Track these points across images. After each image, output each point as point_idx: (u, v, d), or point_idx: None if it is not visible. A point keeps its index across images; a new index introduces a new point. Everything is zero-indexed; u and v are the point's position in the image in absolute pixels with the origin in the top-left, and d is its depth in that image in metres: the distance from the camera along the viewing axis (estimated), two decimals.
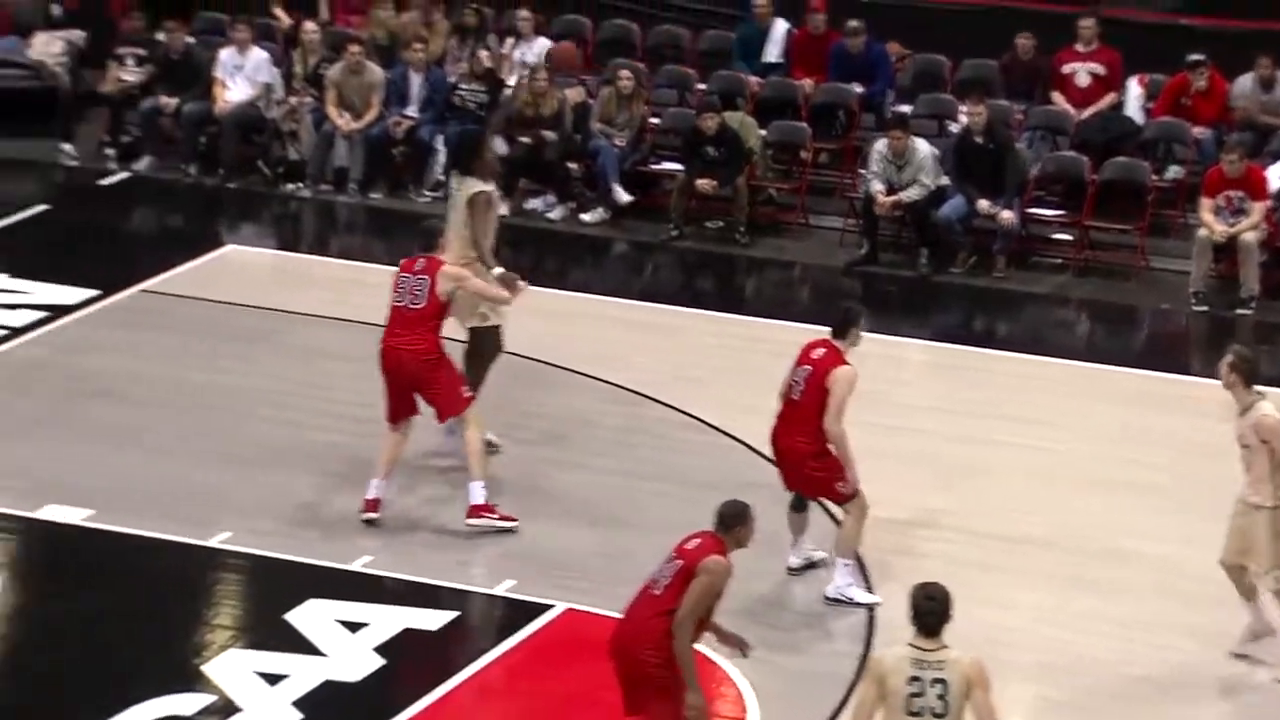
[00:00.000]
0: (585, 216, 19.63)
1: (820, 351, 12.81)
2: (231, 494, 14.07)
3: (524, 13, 20.65)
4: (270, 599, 12.85)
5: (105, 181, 20.18)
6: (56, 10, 21.99)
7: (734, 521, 10.50)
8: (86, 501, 13.72)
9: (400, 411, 13.71)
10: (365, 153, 20.05)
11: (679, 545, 10.50)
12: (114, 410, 15.18)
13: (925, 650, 9.31)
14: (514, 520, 13.63)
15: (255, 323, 16.92)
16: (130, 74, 20.62)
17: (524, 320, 15.81)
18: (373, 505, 13.65)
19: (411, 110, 20.13)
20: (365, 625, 12.49)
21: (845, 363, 12.73)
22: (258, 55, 20.34)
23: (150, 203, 20.16)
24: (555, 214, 19.65)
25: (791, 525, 13.17)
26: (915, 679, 9.25)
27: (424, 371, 13.54)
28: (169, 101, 20.31)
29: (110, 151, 20.51)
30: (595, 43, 21.27)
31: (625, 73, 19.79)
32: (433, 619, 12.63)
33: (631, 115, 19.81)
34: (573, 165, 19.92)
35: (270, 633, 12.39)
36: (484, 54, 20.09)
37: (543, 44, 20.58)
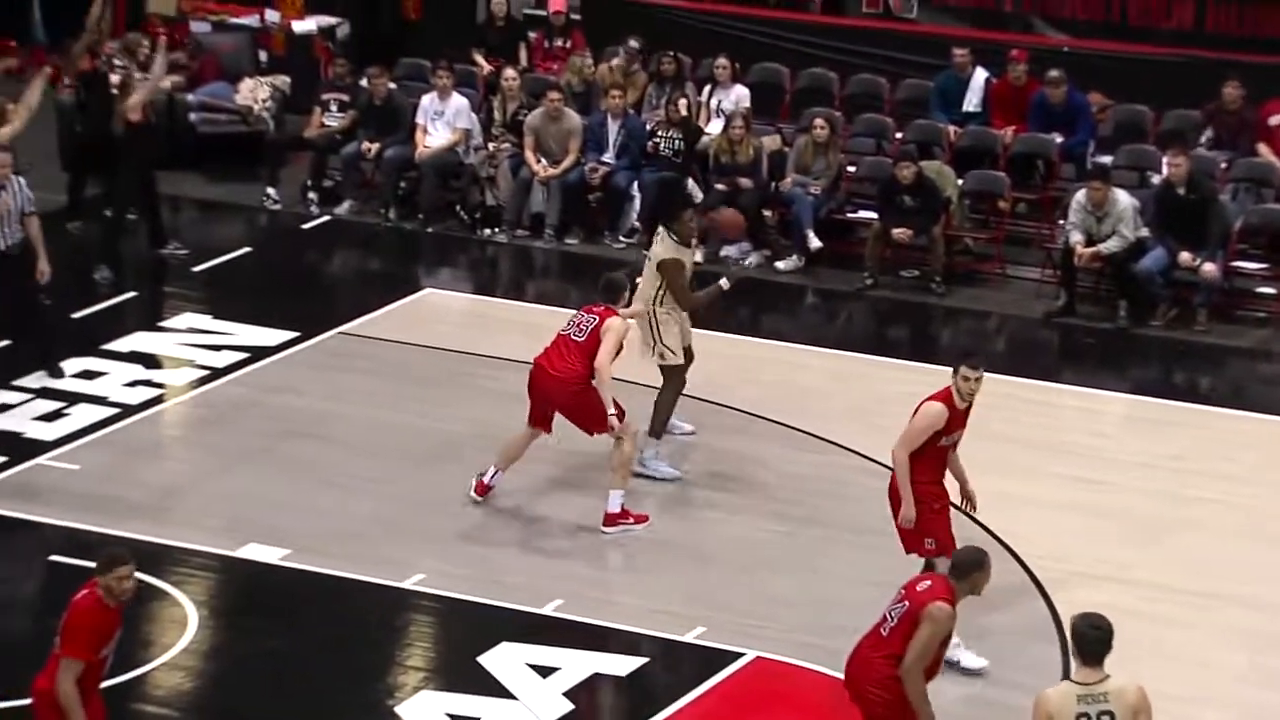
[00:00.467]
0: (780, 264, 19.66)
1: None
2: (426, 536, 14.23)
3: (722, 60, 20.74)
4: (463, 641, 12.98)
5: (307, 225, 20.49)
6: (263, 56, 22.44)
7: (970, 569, 10.44)
8: (284, 540, 13.95)
9: (537, 421, 14.49)
10: (562, 199, 20.22)
11: (909, 584, 10.47)
12: (312, 450, 15.40)
13: (1089, 684, 9.26)
14: (646, 518, 14.32)
15: (452, 366, 17.09)
16: (333, 119, 20.97)
17: (713, 365, 15.89)
18: (483, 489, 14.53)
19: (608, 157, 20.29)
20: (556, 670, 12.58)
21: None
22: (458, 101, 20.61)
23: (350, 246, 20.43)
24: (750, 261, 19.71)
25: None
26: (1083, 715, 9.19)
27: (565, 398, 14.28)
28: (370, 146, 20.63)
29: (312, 196, 20.84)
30: (793, 90, 21.32)
31: (821, 121, 19.82)
32: (622, 664, 12.69)
33: (828, 163, 19.83)
34: (768, 213, 19.97)
35: (462, 675, 12.50)
36: (681, 101, 20.20)
37: (740, 91, 20.66)
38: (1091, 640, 9.33)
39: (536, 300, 19.08)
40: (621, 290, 14.56)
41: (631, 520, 14.33)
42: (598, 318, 14.28)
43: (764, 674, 12.56)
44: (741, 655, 12.74)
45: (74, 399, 16.17)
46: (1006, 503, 14.24)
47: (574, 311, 14.59)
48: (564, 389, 14.27)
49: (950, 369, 12.53)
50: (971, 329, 18.85)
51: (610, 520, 14.27)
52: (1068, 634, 9.45)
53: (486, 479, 14.58)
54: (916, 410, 12.50)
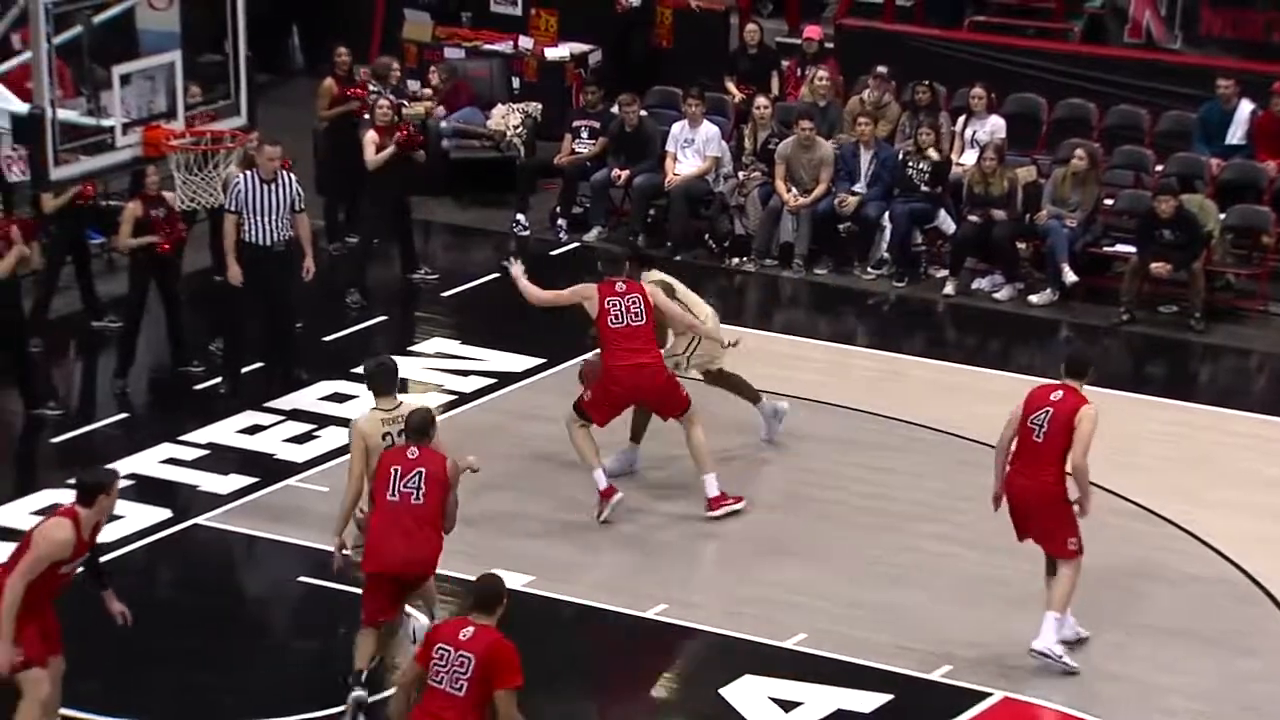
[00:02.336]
0: (1033, 298, 19.51)
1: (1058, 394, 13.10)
2: (669, 565, 14.31)
3: (977, 90, 20.63)
4: (705, 674, 13.03)
5: (556, 251, 20.70)
6: (516, 83, 22.74)
7: None
8: (528, 566, 14.08)
9: (606, 419, 14.97)
10: (811, 228, 20.25)
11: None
12: (558, 476, 15.54)
13: (389, 410, 11.09)
14: (741, 500, 14.88)
15: (694, 393, 17.04)
16: (584, 146, 21.19)
17: (968, 402, 15.80)
18: (608, 493, 14.83)
19: (859, 187, 20.28)
20: (799, 704, 12.61)
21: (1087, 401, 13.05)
22: (709, 129, 20.72)
23: (599, 273, 20.55)
24: (1002, 294, 19.57)
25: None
26: (387, 434, 11.18)
27: (654, 385, 14.86)
28: (620, 173, 20.81)
29: (561, 222, 21.06)
30: (1050, 121, 21.15)
31: (1081, 152, 19.64)
32: (866, 701, 12.67)
33: (1085, 196, 19.64)
34: (1022, 245, 19.83)
35: (706, 708, 12.55)
36: (931, 131, 20.12)
37: (995, 122, 20.54)
38: (381, 374, 12.49)
39: (783, 330, 19.12)
40: (622, 261, 15.29)
41: (731, 501, 14.84)
42: (640, 296, 14.83)
43: (1012, 714, 12.47)
44: (989, 695, 12.66)
45: (324, 421, 16.49)
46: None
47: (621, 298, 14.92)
48: (656, 376, 14.75)
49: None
50: (1232, 367, 18.55)
51: (714, 504, 14.81)
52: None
53: (600, 485, 14.81)
54: (1079, 417, 12.77)
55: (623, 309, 14.82)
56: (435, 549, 12.26)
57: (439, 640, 10.55)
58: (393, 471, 12.14)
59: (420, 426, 12.34)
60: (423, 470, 12.12)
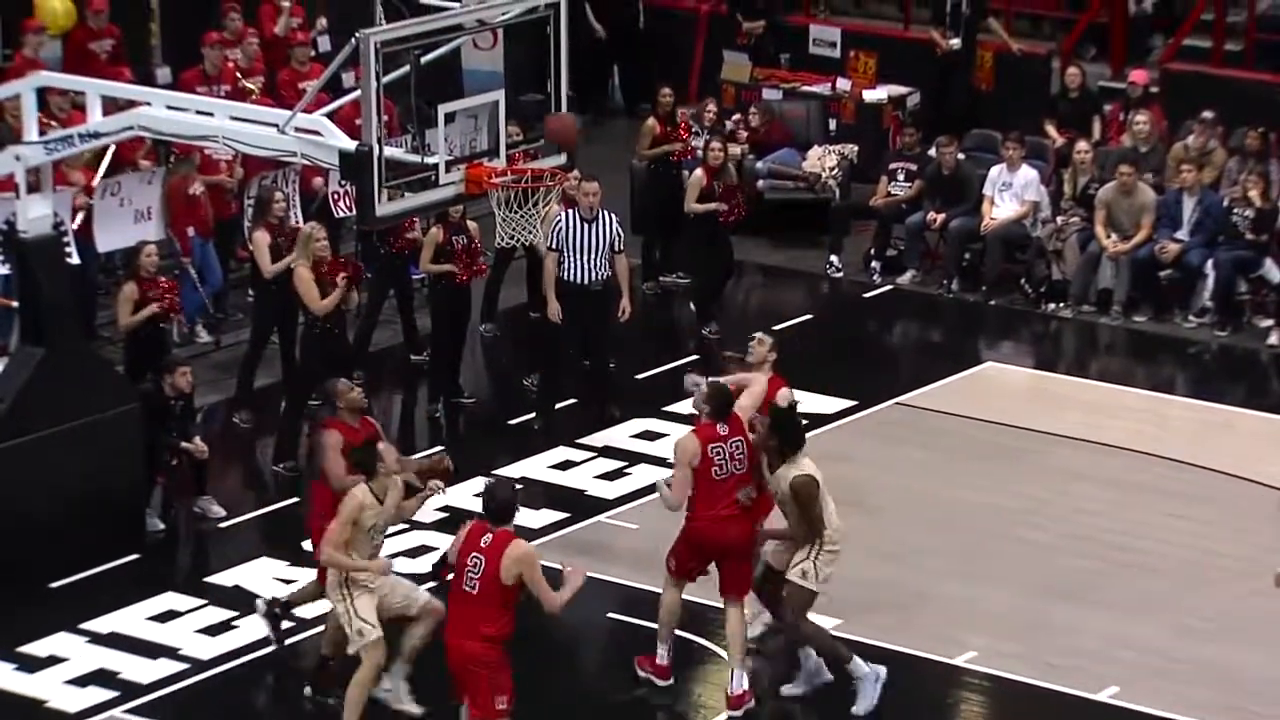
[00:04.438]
0: None
1: None
2: (977, 612, 14.24)
3: None
4: None
5: (869, 294, 20.70)
6: (833, 124, 22.81)
7: None
8: (834, 610, 13.99)
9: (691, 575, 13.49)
10: (1131, 274, 20.00)
11: None
12: (862, 520, 15.52)
13: None
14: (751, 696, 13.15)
15: (1009, 441, 17.07)
16: (900, 188, 21.18)
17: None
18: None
19: (1182, 234, 19.99)
20: None
21: None
22: (1027, 173, 20.58)
23: (911, 316, 20.52)
24: None
25: None
26: None
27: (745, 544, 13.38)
28: (936, 217, 20.76)
29: (875, 264, 21.05)
30: None
31: None
32: None
33: None
34: None
35: None
36: (1260, 179, 19.74)
37: None
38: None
39: (1099, 378, 18.88)
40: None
41: (749, 699, 13.07)
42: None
43: None
44: None
45: (635, 459, 16.68)
46: None
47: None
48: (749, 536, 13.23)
49: None
50: None
51: (737, 701, 13.10)
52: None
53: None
54: None
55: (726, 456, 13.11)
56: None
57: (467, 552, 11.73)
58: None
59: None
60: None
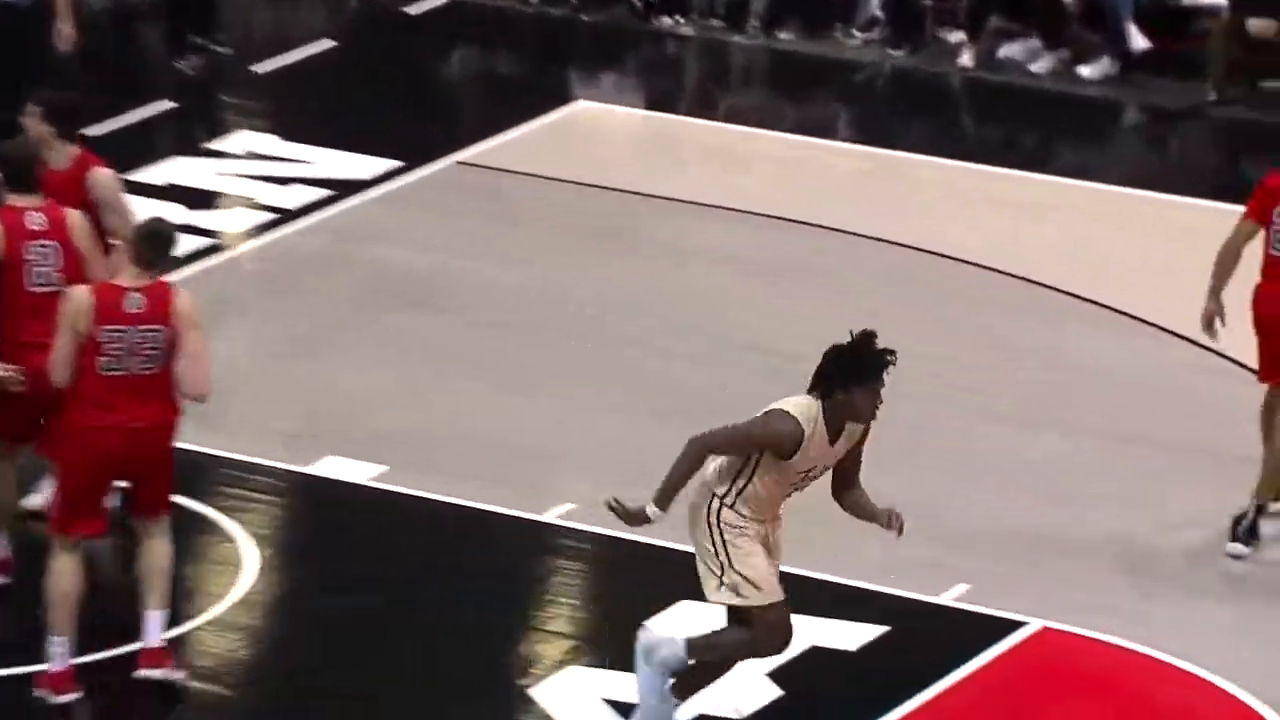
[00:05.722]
0: (1085, 70, 19.54)
1: None
2: (575, 452, 14.26)
3: None
4: (627, 601, 12.95)
5: (413, 9, 20.57)
6: None
7: None
8: (376, 453, 13.99)
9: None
10: None
11: None
12: (417, 326, 15.47)
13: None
14: None
15: (610, 209, 17.20)
16: None
17: (983, 216, 15.77)
18: None
19: None
20: None
21: None
22: None
23: (473, 40, 20.54)
24: (1041, 65, 19.55)
25: None
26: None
27: None
28: None
29: None
30: None
31: None
32: (851, 636, 12.62)
33: None
34: None
35: (622, 646, 12.47)
36: None
37: None
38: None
39: (732, 119, 19.06)
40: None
41: None
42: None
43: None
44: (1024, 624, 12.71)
45: None
46: None
47: None
48: None
49: None
50: None
51: None
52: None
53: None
54: None
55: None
56: None
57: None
58: None
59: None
60: None
